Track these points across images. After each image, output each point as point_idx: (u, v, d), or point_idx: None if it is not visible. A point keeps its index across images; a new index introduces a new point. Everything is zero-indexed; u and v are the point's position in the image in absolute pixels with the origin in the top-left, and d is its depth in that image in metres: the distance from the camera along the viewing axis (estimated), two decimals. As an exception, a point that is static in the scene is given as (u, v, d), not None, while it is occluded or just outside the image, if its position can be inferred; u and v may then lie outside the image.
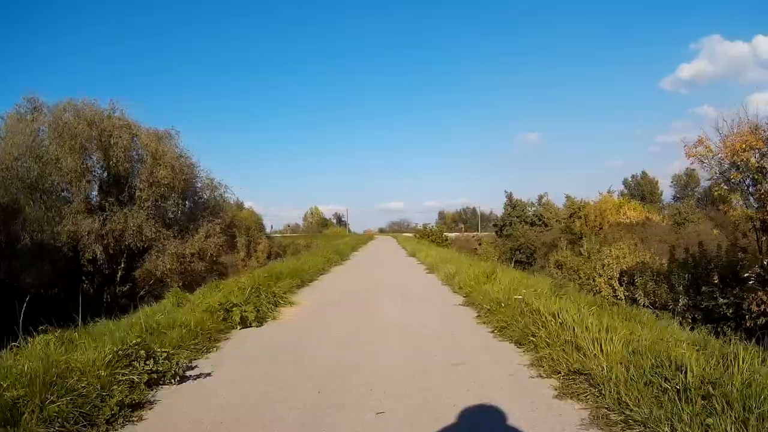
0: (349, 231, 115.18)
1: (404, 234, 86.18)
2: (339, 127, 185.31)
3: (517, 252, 49.00)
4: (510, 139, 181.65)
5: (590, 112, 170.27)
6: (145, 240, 19.15)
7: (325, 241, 64.58)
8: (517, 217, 53.61)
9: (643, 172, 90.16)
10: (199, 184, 23.84)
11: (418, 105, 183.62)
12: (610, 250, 26.22)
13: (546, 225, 53.64)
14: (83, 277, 19.30)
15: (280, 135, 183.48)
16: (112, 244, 18.95)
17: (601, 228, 51.13)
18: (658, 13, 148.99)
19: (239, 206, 68.40)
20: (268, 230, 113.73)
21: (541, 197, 55.43)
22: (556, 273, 41.58)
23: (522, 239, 49.18)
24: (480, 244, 55.75)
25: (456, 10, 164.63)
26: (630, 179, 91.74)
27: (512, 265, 37.11)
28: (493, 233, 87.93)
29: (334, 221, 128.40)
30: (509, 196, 55.05)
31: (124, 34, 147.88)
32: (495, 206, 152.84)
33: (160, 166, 19.72)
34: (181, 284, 15.41)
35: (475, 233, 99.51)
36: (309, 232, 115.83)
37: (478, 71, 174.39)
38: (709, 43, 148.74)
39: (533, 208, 55.31)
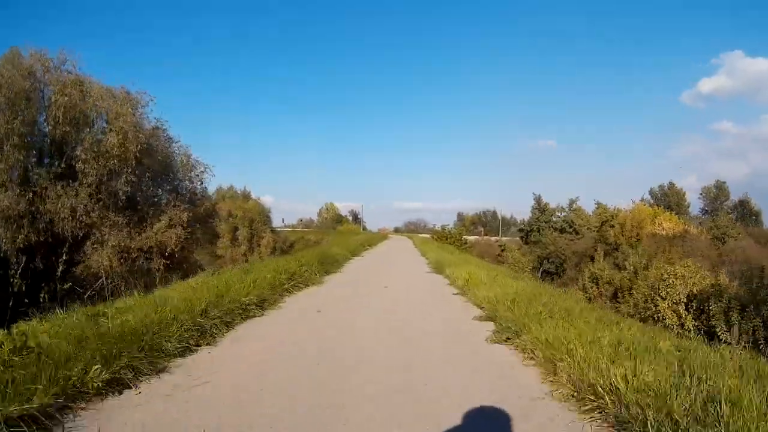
0: (364, 229, 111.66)
1: (421, 235, 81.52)
2: (362, 126, 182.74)
3: (546, 261, 44.21)
4: (531, 145, 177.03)
5: (609, 121, 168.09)
6: (82, 226, 14.65)
7: (337, 237, 60.47)
8: (545, 222, 48.67)
9: (671, 182, 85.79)
10: (174, 163, 19.27)
11: (451, 105, 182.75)
12: (674, 269, 21.40)
13: (577, 233, 48.74)
14: (12, 271, 14.87)
15: (300, 130, 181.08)
16: (42, 230, 14.53)
17: (638, 239, 46.31)
18: (681, 26, 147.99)
19: (246, 197, 64.15)
20: (279, 224, 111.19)
21: (572, 202, 50.64)
22: (591, 288, 36.80)
23: (551, 247, 44.33)
24: (503, 250, 51.01)
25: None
26: (657, 189, 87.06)
27: (539, 276, 32.26)
28: (517, 238, 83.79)
29: (350, 218, 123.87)
30: (538, 199, 50.25)
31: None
32: (516, 210, 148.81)
33: (112, 132, 15.26)
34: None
35: (495, 237, 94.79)
36: (323, 227, 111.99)
37: (496, 77, 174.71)
38: (730, 59, 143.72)
39: (563, 213, 50.20)
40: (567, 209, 50.33)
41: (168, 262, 16.52)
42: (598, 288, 37.64)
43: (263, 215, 56.69)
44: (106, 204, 15.37)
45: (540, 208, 49.67)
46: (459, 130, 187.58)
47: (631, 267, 30.54)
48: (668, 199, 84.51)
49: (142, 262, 16.10)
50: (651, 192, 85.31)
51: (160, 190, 18.55)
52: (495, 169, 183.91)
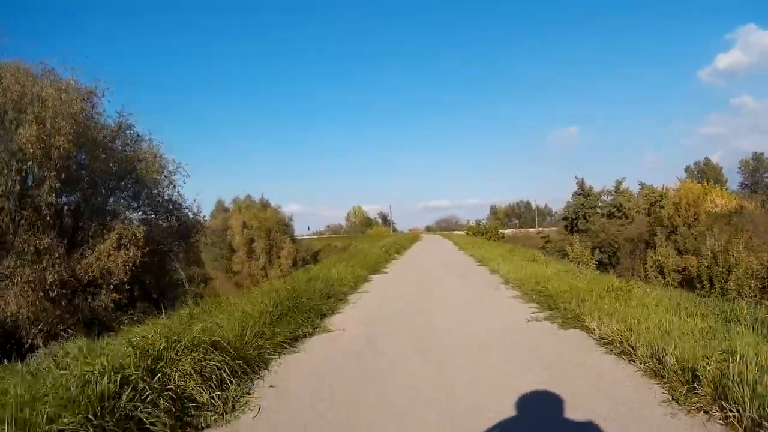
0: (394, 230, 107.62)
1: (455, 232, 76.97)
2: (381, 127, 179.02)
3: (597, 250, 39.18)
4: (549, 134, 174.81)
5: (626, 105, 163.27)
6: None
7: (367, 242, 56.41)
8: (590, 207, 43.61)
9: (706, 158, 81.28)
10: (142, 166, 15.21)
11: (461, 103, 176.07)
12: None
13: (626, 217, 43.62)
14: None
15: (322, 135, 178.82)
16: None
17: (696, 218, 40.98)
18: (691, 4, 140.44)
19: (264, 206, 60.08)
20: (304, 231, 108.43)
21: (618, 183, 45.71)
22: (656, 278, 31.77)
23: (602, 235, 39.29)
24: (548, 241, 46.13)
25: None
26: (693, 166, 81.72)
27: (594, 267, 27.39)
28: (554, 229, 78.57)
29: (379, 221, 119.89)
30: (581, 184, 45.39)
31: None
32: (550, 199, 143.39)
33: (27, 122, 11.25)
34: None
35: (533, 229, 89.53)
36: (351, 232, 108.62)
37: (519, 65, 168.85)
38: (744, 33, 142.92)
39: (609, 197, 45.14)
40: (613, 191, 45.09)
41: (119, 296, 12.32)
42: (663, 278, 32.69)
43: (282, 224, 52.89)
44: (17, 222, 11.19)
45: (584, 192, 44.75)
46: (480, 124, 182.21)
47: (709, 252, 25.46)
48: (706, 175, 79.52)
49: (83, 301, 11.93)
50: (687, 170, 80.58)
51: (112, 199, 14.40)
52: (520, 161, 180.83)
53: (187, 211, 17.07)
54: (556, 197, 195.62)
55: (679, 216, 41.39)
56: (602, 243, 39.92)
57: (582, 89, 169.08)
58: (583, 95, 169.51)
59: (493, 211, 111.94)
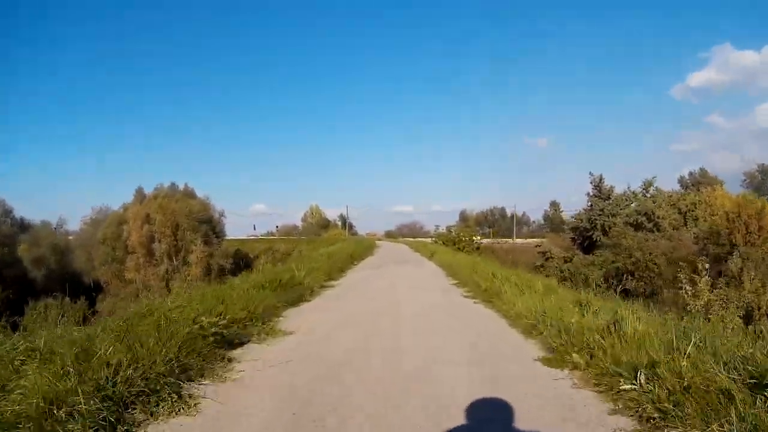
0: (354, 233, 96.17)
1: (421, 239, 64.83)
2: (348, 129, 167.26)
3: (627, 276, 27.11)
4: (517, 144, 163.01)
5: (599, 119, 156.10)
6: None
7: (315, 246, 44.01)
8: (611, 215, 31.44)
9: (702, 169, 72.45)
10: None
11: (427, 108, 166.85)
12: None
13: (658, 228, 31.67)
14: None
15: (288, 136, 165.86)
16: None
17: (762, 237, 29.56)
18: (667, 21, 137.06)
19: (188, 195, 45.83)
20: (249, 231, 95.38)
21: (647, 184, 33.79)
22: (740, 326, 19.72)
23: (637, 253, 27.09)
24: (548, 259, 33.83)
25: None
26: (687, 177, 73.10)
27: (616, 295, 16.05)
28: (533, 240, 67.19)
29: (339, 223, 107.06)
30: (598, 184, 33.19)
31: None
32: (520, 209, 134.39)
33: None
34: None
35: (510, 239, 77.90)
36: (307, 234, 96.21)
37: (486, 74, 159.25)
38: (719, 52, 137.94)
39: (634, 203, 33.27)
40: (641, 194, 33.28)
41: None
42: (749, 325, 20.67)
43: (193, 218, 39.04)
44: None
45: (602, 194, 32.52)
46: (448, 131, 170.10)
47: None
48: (702, 186, 70.90)
49: None
50: (680, 180, 72.56)
51: None
52: (489, 169, 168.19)
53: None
54: (526, 207, 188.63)
55: (738, 232, 29.93)
56: (636, 264, 27.72)
57: (554, 101, 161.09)
58: (555, 107, 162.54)
59: (463, 217, 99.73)
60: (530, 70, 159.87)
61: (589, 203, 33.44)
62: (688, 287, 19.64)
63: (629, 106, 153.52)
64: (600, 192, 33.38)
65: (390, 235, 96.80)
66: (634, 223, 31.93)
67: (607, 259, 28.50)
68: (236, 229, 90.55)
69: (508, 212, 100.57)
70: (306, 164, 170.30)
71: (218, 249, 41.81)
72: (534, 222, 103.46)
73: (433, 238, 53.83)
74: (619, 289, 26.06)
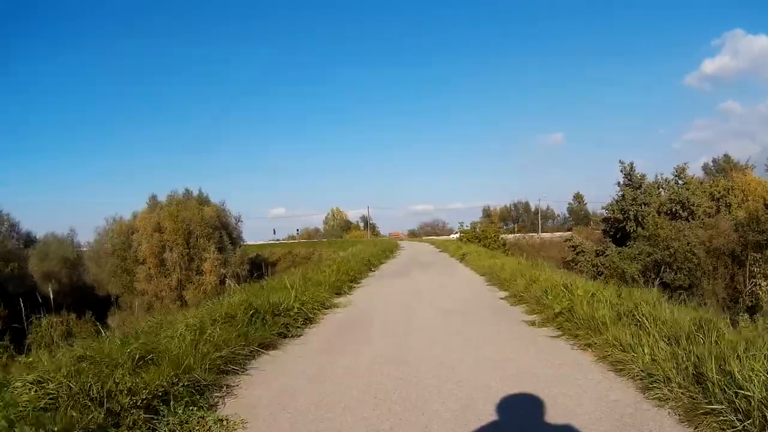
0: (376, 234, 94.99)
1: (443, 237, 63.66)
2: (368, 130, 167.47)
3: (666, 268, 25.68)
4: (532, 139, 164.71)
5: (613, 111, 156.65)
6: None
7: (335, 249, 42.88)
8: (644, 204, 29.96)
9: (726, 155, 69.31)
10: None
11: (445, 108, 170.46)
12: None
13: (693, 217, 30.09)
14: None
15: (307, 136, 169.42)
16: None
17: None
18: (679, 9, 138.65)
19: (202, 203, 44.85)
20: (270, 237, 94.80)
21: (680, 170, 32.14)
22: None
23: (675, 243, 25.67)
24: (579, 253, 32.46)
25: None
26: (711, 163, 70.24)
27: (654, 287, 13.79)
28: (558, 234, 65.37)
29: (361, 224, 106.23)
30: (629, 172, 31.70)
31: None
32: (544, 202, 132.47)
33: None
34: None
35: (535, 234, 76.11)
36: (329, 236, 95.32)
37: (499, 70, 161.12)
38: (732, 38, 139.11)
39: (668, 191, 31.79)
40: (675, 181, 31.74)
41: None
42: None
43: (208, 225, 38.02)
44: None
45: (633, 183, 31.00)
46: (480, 130, 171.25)
47: None
48: (727, 173, 68.12)
49: None
50: (704, 167, 69.31)
51: None
52: (507, 165, 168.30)
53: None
54: (548, 201, 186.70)
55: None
56: (674, 256, 26.21)
57: (569, 95, 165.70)
58: (570, 101, 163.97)
59: (487, 213, 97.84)
60: (542, 64, 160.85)
61: (621, 192, 31.84)
62: (763, 282, 18.25)
63: (643, 97, 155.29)
64: (631, 180, 31.82)
65: (414, 235, 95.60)
66: (668, 212, 30.37)
67: (643, 251, 27.02)
68: (256, 234, 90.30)
69: (532, 206, 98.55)
70: (326, 166, 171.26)
71: (233, 255, 40.79)
72: (558, 215, 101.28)
73: (458, 235, 52.53)
74: (656, 282, 24.75)
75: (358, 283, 13.98)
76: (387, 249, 29.79)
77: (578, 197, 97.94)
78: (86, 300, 38.47)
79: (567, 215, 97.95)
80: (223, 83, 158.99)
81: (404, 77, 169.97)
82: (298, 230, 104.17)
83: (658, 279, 24.75)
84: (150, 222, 37.77)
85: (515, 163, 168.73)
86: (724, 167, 72.41)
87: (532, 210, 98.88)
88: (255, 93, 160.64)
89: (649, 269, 26.96)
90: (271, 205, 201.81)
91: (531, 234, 75.08)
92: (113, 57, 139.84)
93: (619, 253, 28.93)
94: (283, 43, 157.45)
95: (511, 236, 62.19)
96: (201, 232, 38.11)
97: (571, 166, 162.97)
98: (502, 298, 10.16)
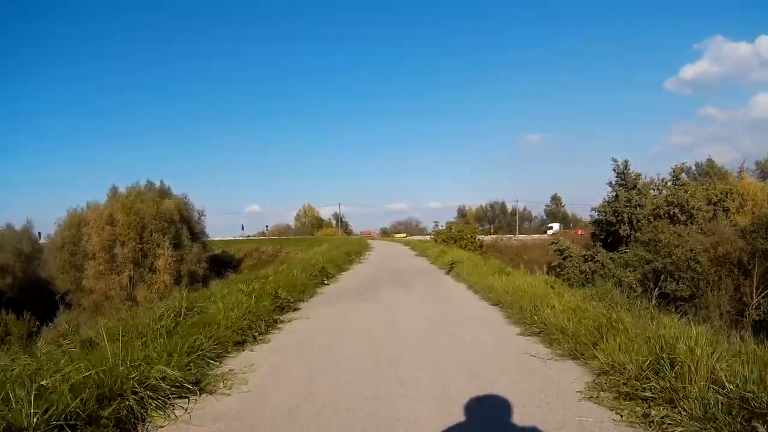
0: (348, 232, 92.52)
1: (417, 237, 60.79)
2: (342, 127, 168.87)
3: (666, 278, 22.94)
4: (513, 140, 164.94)
5: (593, 114, 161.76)
6: None
7: (303, 247, 40.00)
8: (638, 206, 27.18)
9: (709, 159, 68.48)
10: None
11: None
12: None
13: (692, 220, 27.51)
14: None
15: (282, 135, 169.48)
16: None
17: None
18: (660, 14, 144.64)
19: (163, 195, 41.12)
20: (238, 232, 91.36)
21: (677, 171, 29.32)
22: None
23: (678, 250, 22.93)
24: (566, 258, 29.62)
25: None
26: (694, 167, 69.12)
27: (653, 300, 10.98)
28: (535, 235, 63.06)
29: (334, 222, 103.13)
30: (622, 171, 28.95)
31: None
32: (521, 203, 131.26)
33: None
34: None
35: (511, 235, 73.59)
36: (300, 233, 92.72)
37: (480, 72, 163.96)
38: (713, 44, 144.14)
39: (663, 191, 29.17)
40: (670, 182, 29.10)
41: None
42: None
43: (164, 219, 34.16)
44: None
45: (627, 183, 28.20)
46: (462, 129, 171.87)
47: None
48: (710, 177, 67.14)
49: None
50: (686, 170, 67.75)
51: None
52: (485, 165, 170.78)
53: None
54: (526, 202, 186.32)
55: (789, 221, 25.77)
56: (677, 264, 23.42)
57: (548, 96, 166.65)
58: (549, 103, 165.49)
59: (462, 213, 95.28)
60: (523, 67, 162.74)
61: (614, 193, 29.02)
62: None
63: (623, 101, 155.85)
64: (625, 180, 29.01)
65: (386, 234, 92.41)
66: (666, 214, 27.66)
67: (641, 258, 24.18)
68: (228, 229, 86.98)
69: (509, 207, 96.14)
70: (300, 163, 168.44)
71: (190, 252, 37.02)
72: (536, 217, 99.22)
73: (433, 236, 49.62)
74: (655, 293, 21.95)
75: (289, 312, 8.95)
76: (353, 251, 26.43)
77: (556, 199, 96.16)
78: (41, 296, 35.83)
79: (545, 216, 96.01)
80: (206, 80, 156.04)
81: (382, 74, 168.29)
82: (267, 226, 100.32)
83: (657, 289, 22.04)
84: (102, 214, 33.88)
85: (493, 163, 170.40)
86: (707, 171, 71.32)
87: (509, 211, 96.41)
88: (255, 93, 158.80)
89: (648, 278, 24.18)
90: (248, 201, 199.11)
91: (508, 235, 72.50)
92: (112, 57, 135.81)
93: (612, 259, 26.11)
94: (266, 40, 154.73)
95: (488, 237, 59.37)
96: (155, 227, 34.35)
97: (549, 167, 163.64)
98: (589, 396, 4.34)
